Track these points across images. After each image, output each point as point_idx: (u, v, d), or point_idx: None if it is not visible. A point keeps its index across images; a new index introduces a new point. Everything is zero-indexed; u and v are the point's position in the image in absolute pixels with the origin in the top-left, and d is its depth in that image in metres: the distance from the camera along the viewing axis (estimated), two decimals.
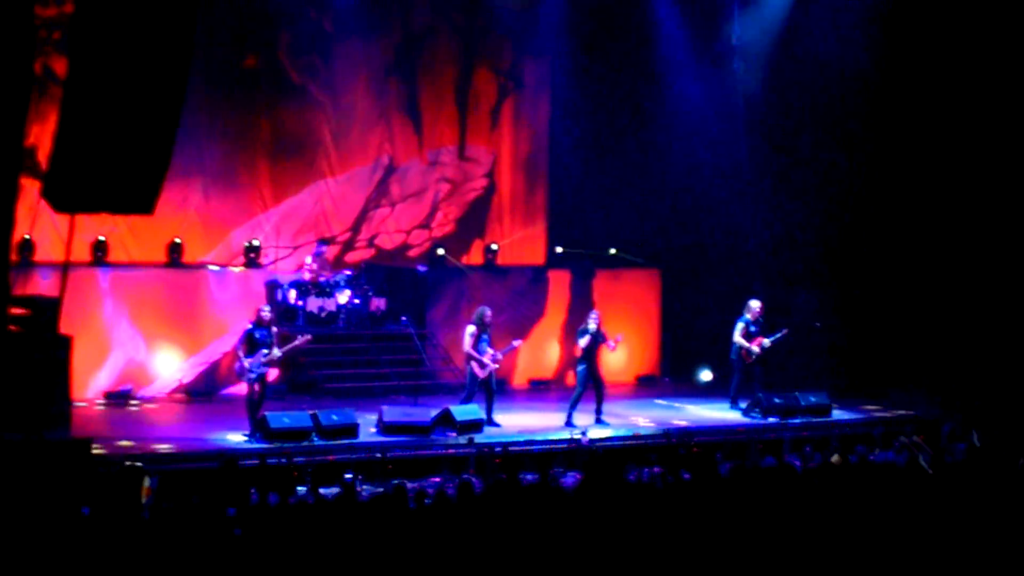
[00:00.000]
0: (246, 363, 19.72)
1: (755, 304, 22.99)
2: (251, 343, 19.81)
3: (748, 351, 22.79)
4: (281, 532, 12.66)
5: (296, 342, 20.76)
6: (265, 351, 19.79)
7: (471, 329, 21.19)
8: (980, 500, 14.38)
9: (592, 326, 21.66)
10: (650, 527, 12.94)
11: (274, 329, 20.24)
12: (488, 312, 21.39)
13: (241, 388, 20.46)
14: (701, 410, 23.37)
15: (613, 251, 27.90)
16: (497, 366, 21.38)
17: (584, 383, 21.53)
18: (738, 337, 22.86)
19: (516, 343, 22.25)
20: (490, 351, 21.18)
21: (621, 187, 28.15)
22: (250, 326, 20.03)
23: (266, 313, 20.09)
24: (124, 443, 18.82)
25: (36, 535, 12.10)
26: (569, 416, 21.24)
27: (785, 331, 23.07)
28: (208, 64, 24.13)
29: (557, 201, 28.71)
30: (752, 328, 22.89)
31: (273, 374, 23.66)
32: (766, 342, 22.84)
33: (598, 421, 21.42)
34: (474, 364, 21.10)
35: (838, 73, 25.81)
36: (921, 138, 24.95)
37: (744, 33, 27.10)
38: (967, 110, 24.36)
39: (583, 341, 21.56)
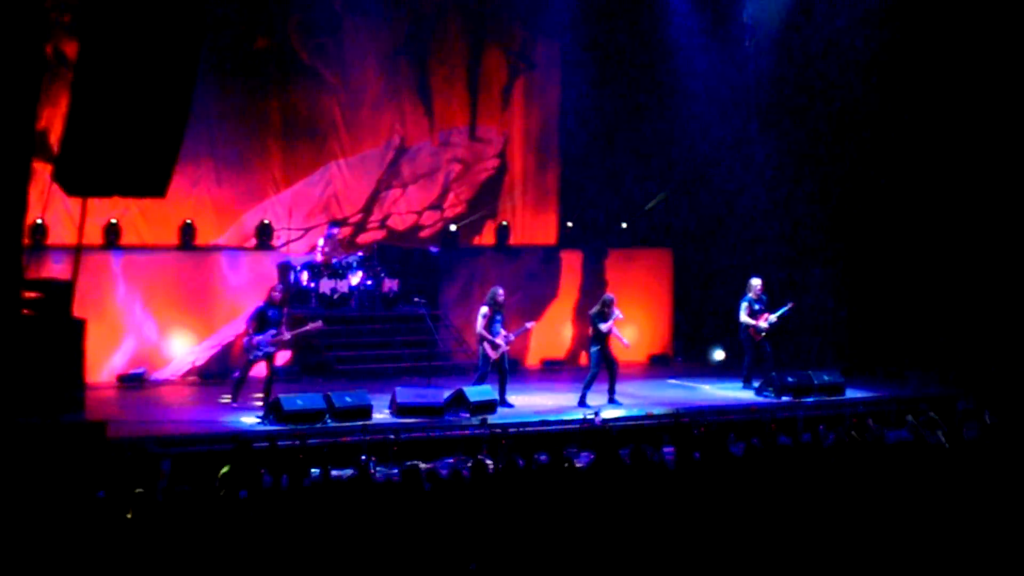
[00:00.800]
0: (255, 339, 19.97)
1: (756, 282, 23.00)
2: (262, 321, 20.06)
3: (756, 328, 22.80)
4: (294, 514, 12.68)
5: (307, 327, 21.03)
6: (274, 331, 20.04)
7: (484, 310, 21.18)
8: (994, 476, 14.38)
9: (616, 311, 21.60)
10: (662, 506, 12.96)
11: (285, 310, 20.44)
12: (501, 292, 21.34)
13: (257, 370, 20.51)
14: (714, 389, 23.35)
15: (624, 224, 27.93)
16: (508, 347, 21.36)
17: (598, 364, 21.52)
18: (744, 316, 22.88)
19: (529, 325, 22.20)
20: (503, 332, 21.16)
21: (633, 166, 28.15)
22: (262, 304, 20.28)
23: (277, 294, 20.28)
24: (139, 425, 18.90)
25: (52, 518, 12.13)
26: (583, 396, 21.23)
27: (790, 304, 23.07)
28: (219, 46, 24.15)
29: (569, 181, 28.69)
30: (756, 306, 22.90)
31: (285, 356, 23.82)
32: (772, 317, 22.85)
33: (611, 401, 21.42)
34: (487, 345, 21.08)
35: (849, 51, 25.76)
36: (933, 115, 24.87)
37: (755, 11, 27.03)
38: (979, 86, 24.29)
39: (604, 326, 21.51)
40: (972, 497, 13.45)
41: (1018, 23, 23.86)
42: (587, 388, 21.37)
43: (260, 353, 20.07)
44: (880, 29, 25.33)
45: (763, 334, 22.81)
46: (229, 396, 20.38)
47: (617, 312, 21.64)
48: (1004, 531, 12.23)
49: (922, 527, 12.30)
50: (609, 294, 22.21)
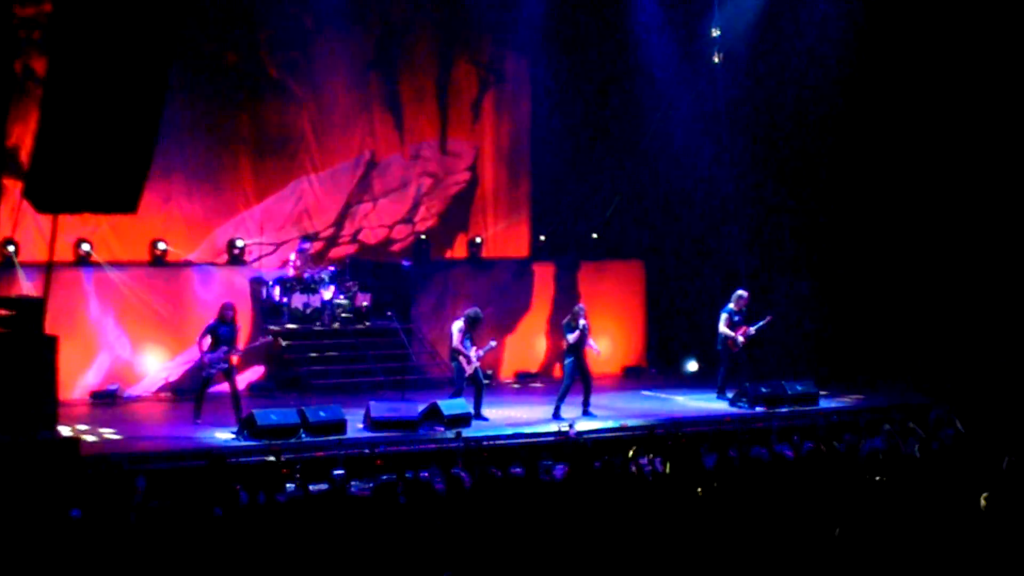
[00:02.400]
0: (207, 358, 20.30)
1: (741, 293, 23.05)
2: (214, 338, 20.37)
3: (734, 340, 22.84)
4: (270, 530, 12.65)
5: (257, 342, 21.83)
6: (226, 348, 20.32)
7: (459, 324, 21.18)
8: (967, 485, 14.42)
9: (582, 322, 21.61)
10: (638, 518, 12.97)
11: (238, 327, 20.81)
12: (480, 314, 21.41)
13: (226, 387, 20.51)
14: (688, 401, 23.38)
15: (595, 235, 27.97)
16: (479, 362, 21.35)
17: (572, 375, 21.52)
18: (723, 327, 22.90)
19: (492, 343, 22.17)
20: (474, 349, 21.20)
21: (604, 179, 28.18)
22: (213, 322, 20.54)
23: (229, 312, 20.57)
24: (112, 437, 18.84)
25: (25, 535, 12.07)
26: (557, 408, 21.23)
27: (768, 318, 23.12)
28: (189, 61, 24.10)
29: (540, 194, 28.72)
30: (736, 318, 22.94)
31: (259, 371, 23.80)
32: (751, 330, 22.91)
33: (586, 413, 21.42)
34: (462, 359, 21.10)
35: (819, 64, 25.86)
36: (903, 128, 24.97)
37: (724, 26, 27.08)
38: (947, 99, 24.40)
39: (572, 337, 21.52)
40: (946, 505, 13.49)
41: (987, 37, 23.96)
42: (561, 400, 21.37)
43: (213, 371, 20.37)
44: (849, 41, 25.40)
45: (740, 346, 22.85)
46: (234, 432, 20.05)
47: (582, 322, 21.61)
48: (977, 538, 12.27)
49: (896, 535, 12.33)
50: (580, 304, 22.22)
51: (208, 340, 20.38)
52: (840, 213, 26.02)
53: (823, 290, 26.13)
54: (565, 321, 21.79)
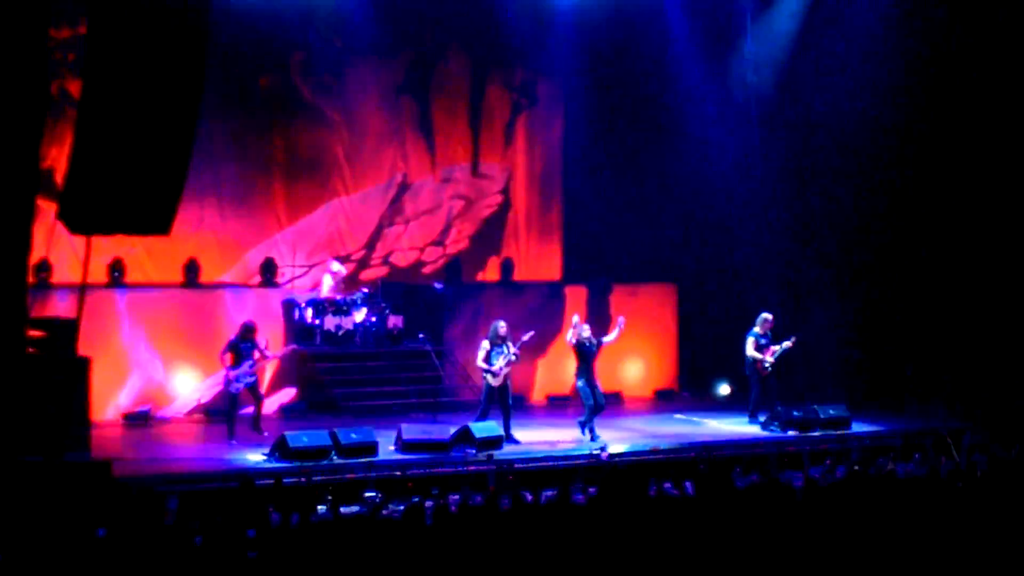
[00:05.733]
0: (232, 373, 20.58)
1: (766, 316, 22.99)
2: (236, 354, 20.64)
3: (761, 363, 22.75)
4: (302, 552, 12.64)
5: (280, 352, 22.82)
6: (250, 362, 20.63)
7: (485, 344, 21.17)
8: (1002, 509, 14.32)
9: (585, 332, 21.49)
10: (669, 542, 12.92)
11: (257, 339, 20.96)
12: (503, 326, 21.28)
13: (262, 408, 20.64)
14: (720, 424, 23.29)
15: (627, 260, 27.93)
16: (508, 369, 21.13)
17: (589, 396, 21.39)
18: (750, 350, 22.82)
19: (529, 334, 21.81)
20: (508, 349, 20.98)
21: (636, 202, 28.12)
22: (234, 338, 20.81)
23: (251, 328, 20.87)
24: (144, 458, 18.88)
25: (56, 557, 12.09)
26: (590, 431, 21.12)
27: (793, 339, 22.97)
28: (222, 85, 24.17)
29: (572, 217, 28.69)
30: (763, 340, 22.88)
31: (291, 393, 23.83)
32: (777, 349, 22.81)
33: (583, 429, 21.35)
34: (488, 376, 21.06)
35: (852, 85, 25.74)
36: (938, 147, 24.84)
37: (757, 45, 27.04)
38: (986, 116, 24.26)
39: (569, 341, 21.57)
40: (979, 529, 13.41)
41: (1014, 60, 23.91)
42: (587, 423, 21.25)
43: (240, 385, 20.66)
44: (885, 64, 25.31)
45: (768, 369, 22.77)
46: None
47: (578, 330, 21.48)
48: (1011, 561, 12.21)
49: (934, 562, 12.26)
50: (576, 317, 22.05)
51: (229, 356, 20.65)
52: (873, 236, 25.88)
53: (855, 313, 25.98)
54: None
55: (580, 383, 21.42)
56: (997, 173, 24.23)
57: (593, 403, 21.28)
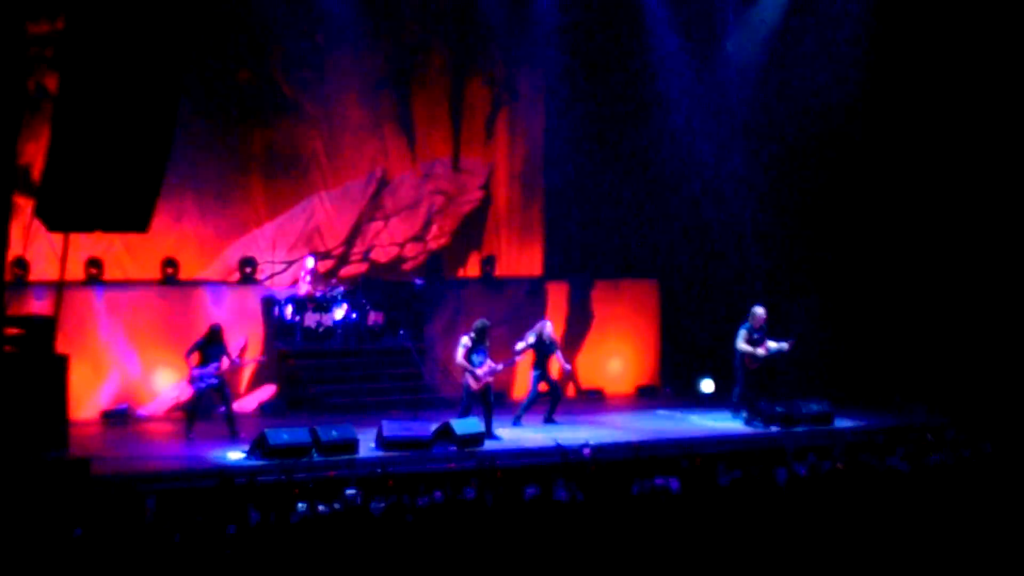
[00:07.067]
0: (195, 372, 20.69)
1: (759, 311, 22.93)
2: (202, 355, 20.72)
3: (752, 356, 22.69)
4: (281, 550, 12.56)
5: (250, 359, 22.62)
6: (216, 363, 20.68)
7: (464, 340, 21.16)
8: (987, 503, 14.32)
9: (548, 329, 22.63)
10: (653, 539, 12.89)
11: (229, 344, 21.11)
12: (486, 324, 21.35)
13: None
14: (703, 420, 23.25)
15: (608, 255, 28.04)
16: (491, 379, 21.29)
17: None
18: (741, 343, 22.75)
19: (518, 358, 22.24)
20: (488, 363, 21.13)
21: (618, 197, 28.06)
22: (200, 340, 20.88)
23: (217, 331, 20.90)
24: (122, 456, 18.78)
25: (34, 557, 11.98)
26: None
27: (792, 341, 22.90)
28: (201, 79, 24.08)
29: (554, 212, 28.62)
30: (755, 335, 22.82)
31: (270, 391, 23.72)
32: (772, 346, 22.76)
33: (516, 423, 22.31)
34: (468, 376, 21.06)
35: (834, 81, 25.73)
36: (916, 142, 24.87)
37: (738, 42, 27.01)
38: (960, 117, 24.33)
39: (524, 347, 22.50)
40: (965, 523, 13.40)
41: (993, 55, 23.93)
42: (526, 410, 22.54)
43: (203, 385, 20.71)
44: (863, 60, 25.31)
45: (758, 364, 22.71)
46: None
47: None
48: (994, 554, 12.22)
49: (917, 555, 12.24)
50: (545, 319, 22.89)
51: (196, 356, 20.70)
52: (854, 232, 25.88)
53: (837, 309, 25.97)
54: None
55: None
56: (977, 168, 24.26)
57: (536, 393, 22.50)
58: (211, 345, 20.69)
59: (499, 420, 21.50)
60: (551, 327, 22.95)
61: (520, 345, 22.23)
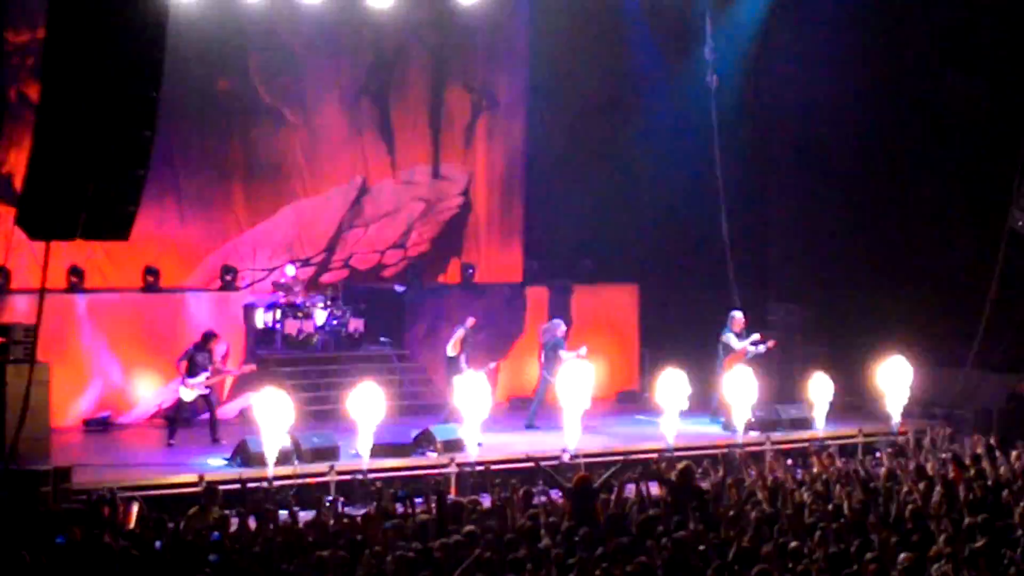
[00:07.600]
0: (186, 382, 20.89)
1: (738, 315, 23.11)
2: (191, 364, 20.91)
3: (735, 359, 22.82)
4: (262, 556, 12.62)
5: (240, 369, 22.67)
6: (206, 372, 20.84)
7: (460, 332, 22.14)
8: (964, 506, 14.43)
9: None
10: (632, 542, 12.97)
11: (213, 353, 21.37)
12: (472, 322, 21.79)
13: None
14: (683, 425, 23.26)
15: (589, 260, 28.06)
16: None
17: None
18: (734, 343, 22.99)
19: (491, 365, 22.36)
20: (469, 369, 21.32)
21: (598, 202, 28.05)
22: (192, 348, 21.09)
23: (211, 338, 21.29)
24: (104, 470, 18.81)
25: (16, 565, 12.04)
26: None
27: (770, 343, 23.05)
28: (180, 88, 24.07)
29: (533, 218, 28.66)
30: (738, 338, 23.01)
31: (251, 398, 23.71)
32: (752, 349, 22.90)
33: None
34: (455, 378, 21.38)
35: (812, 85, 25.84)
36: (898, 150, 25.00)
37: (717, 47, 27.08)
38: (944, 119, 24.45)
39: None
40: (944, 526, 13.50)
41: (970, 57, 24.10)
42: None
43: (194, 394, 21.02)
44: (841, 64, 25.42)
45: (740, 366, 22.80)
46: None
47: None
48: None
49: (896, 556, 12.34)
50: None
51: (185, 365, 20.91)
52: (834, 234, 26.00)
53: (818, 311, 26.05)
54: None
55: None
56: (958, 167, 24.42)
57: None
58: (201, 353, 20.90)
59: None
60: (558, 329, 23.36)
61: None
